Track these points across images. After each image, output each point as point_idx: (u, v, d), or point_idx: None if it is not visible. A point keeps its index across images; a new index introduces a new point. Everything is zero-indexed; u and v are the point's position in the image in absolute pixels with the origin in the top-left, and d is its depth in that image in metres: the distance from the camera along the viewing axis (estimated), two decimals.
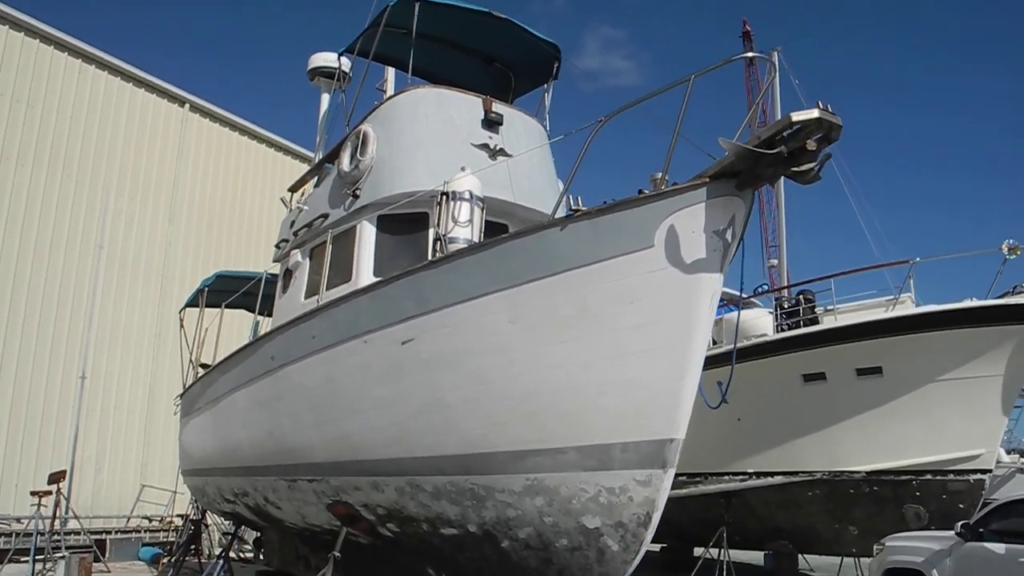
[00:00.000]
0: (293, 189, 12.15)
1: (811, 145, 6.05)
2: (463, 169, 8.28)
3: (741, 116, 32.92)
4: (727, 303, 18.75)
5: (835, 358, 14.79)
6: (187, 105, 23.47)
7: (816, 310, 15.77)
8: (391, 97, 10.06)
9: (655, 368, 6.66)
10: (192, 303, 14.93)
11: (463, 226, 7.69)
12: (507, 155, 9.75)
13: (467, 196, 7.82)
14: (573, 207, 6.85)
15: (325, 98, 12.99)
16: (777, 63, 28.41)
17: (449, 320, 7.36)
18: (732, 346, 15.59)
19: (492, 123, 9.88)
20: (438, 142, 9.51)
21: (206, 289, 14.12)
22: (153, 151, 22.49)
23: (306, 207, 10.72)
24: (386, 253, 9.31)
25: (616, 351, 6.76)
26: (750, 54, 6.49)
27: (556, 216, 7.05)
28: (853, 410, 14.86)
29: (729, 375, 7.84)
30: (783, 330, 15.72)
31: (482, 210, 7.97)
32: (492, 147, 9.72)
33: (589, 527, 6.96)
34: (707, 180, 6.43)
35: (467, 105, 9.87)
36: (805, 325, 15.47)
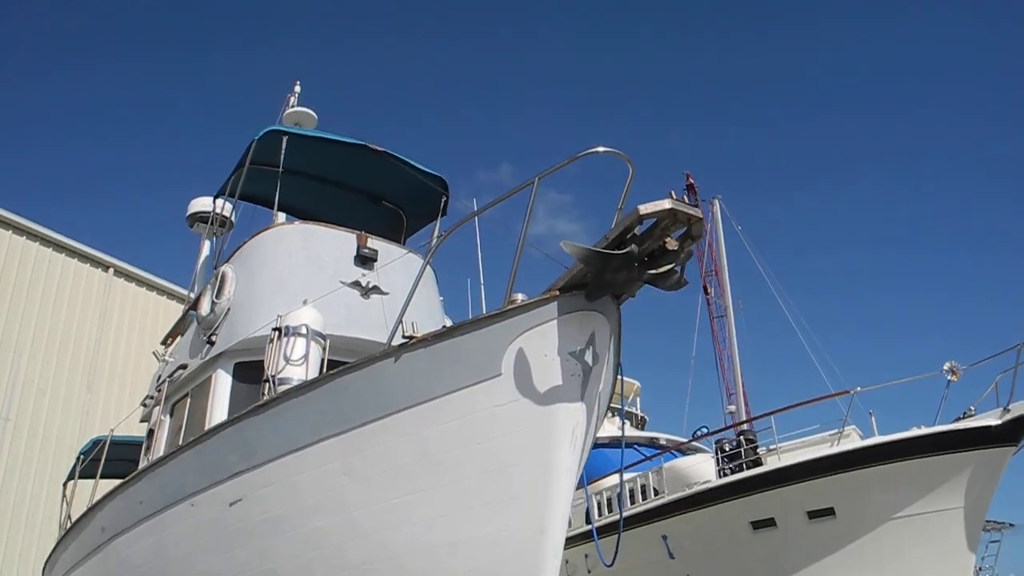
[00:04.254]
0: (166, 342, 11.23)
1: (672, 244, 5.31)
2: (304, 302, 7.44)
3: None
4: (669, 449, 17.73)
5: (783, 501, 13.70)
6: (111, 269, 22.82)
7: (759, 451, 14.75)
8: (254, 235, 9.34)
9: (511, 521, 5.65)
10: (75, 474, 13.64)
11: (296, 364, 6.79)
12: (382, 293, 8.97)
13: (303, 331, 6.95)
14: (407, 334, 6.00)
15: (207, 245, 12.29)
16: (718, 211, 28.77)
17: (278, 475, 6.33)
18: (673, 496, 14.83)
19: (365, 259, 9.14)
20: (302, 281, 8.71)
21: (81, 458, 12.92)
22: (72, 316, 21.60)
23: (171, 359, 9.79)
24: (243, 404, 8.32)
25: (465, 503, 5.76)
26: (601, 148, 5.82)
27: (392, 346, 6.16)
28: (808, 557, 13.66)
29: (617, 540, 6.92)
30: (726, 474, 14.62)
31: (323, 348, 7.08)
32: (365, 285, 8.94)
33: None
34: (556, 293, 5.63)
35: (337, 241, 9.17)
36: (748, 467, 14.42)
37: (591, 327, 5.69)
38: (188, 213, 12.55)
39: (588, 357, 5.71)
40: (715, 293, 30.64)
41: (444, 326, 5.94)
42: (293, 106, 12.67)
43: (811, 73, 78.57)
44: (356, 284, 8.90)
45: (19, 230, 20.91)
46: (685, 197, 5.54)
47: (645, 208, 5.09)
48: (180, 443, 8.58)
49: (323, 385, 6.16)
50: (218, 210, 10.99)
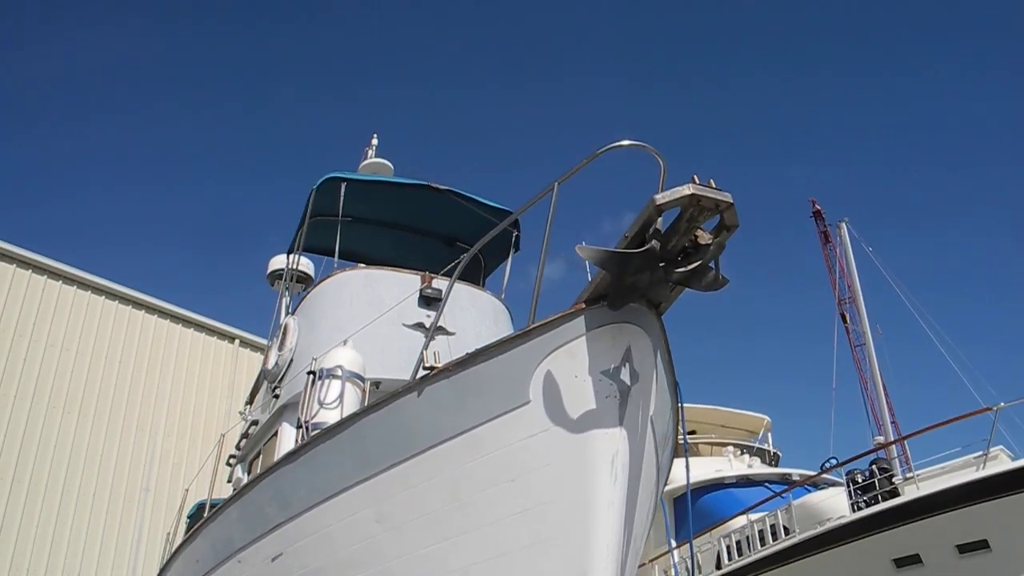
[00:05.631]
0: (251, 401, 11.29)
1: (704, 237, 4.72)
2: (345, 343, 7.18)
3: (826, 295, 31.04)
4: (801, 484, 16.46)
5: (928, 535, 12.33)
6: (237, 341, 23.68)
7: (895, 480, 13.42)
8: (317, 284, 9.25)
9: (548, 566, 5.10)
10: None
11: (330, 408, 6.49)
12: (448, 333, 8.65)
13: (338, 373, 6.67)
14: (428, 364, 5.62)
15: (285, 303, 12.34)
16: (845, 233, 27.36)
17: (313, 526, 6.03)
18: (805, 535, 13.65)
19: (430, 300, 8.88)
20: (363, 326, 8.51)
21: (188, 522, 13.10)
22: (203, 390, 22.55)
23: (249, 417, 9.79)
24: None
25: (499, 547, 5.27)
26: (626, 142, 5.31)
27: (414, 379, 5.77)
28: None
29: None
30: (859, 508, 13.35)
31: (363, 390, 6.77)
32: (429, 326, 8.65)
33: None
34: (582, 306, 5.13)
35: (401, 283, 8.97)
36: (884, 499, 13.11)
37: (625, 341, 5.13)
38: (268, 272, 12.73)
39: (625, 376, 5.15)
40: (852, 320, 28.93)
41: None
42: (370, 158, 12.71)
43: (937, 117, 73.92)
44: (419, 326, 8.63)
45: (151, 309, 22.14)
46: (712, 182, 4.91)
47: (662, 197, 4.50)
48: None
49: (348, 427, 5.85)
50: (292, 266, 11.05)
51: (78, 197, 61.43)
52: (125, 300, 21.64)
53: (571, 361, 5.12)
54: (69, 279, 20.64)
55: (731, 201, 4.54)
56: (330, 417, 6.49)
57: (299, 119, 76.50)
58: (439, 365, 5.52)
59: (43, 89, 54.28)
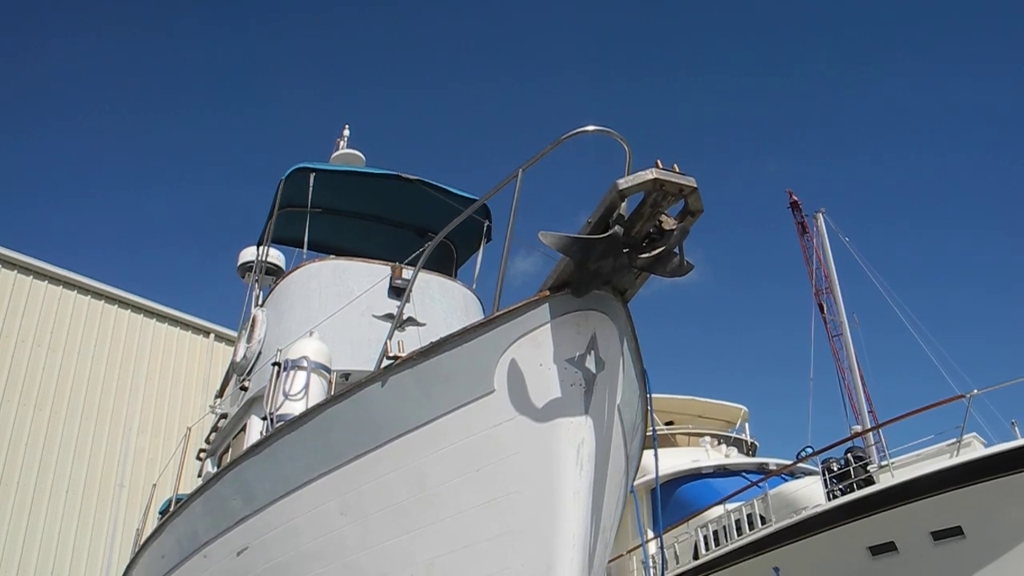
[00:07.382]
0: (220, 394, 11.16)
1: (669, 223, 4.64)
2: (311, 334, 7.08)
3: (804, 285, 31.15)
4: (777, 473, 16.52)
5: (903, 522, 12.37)
6: (212, 335, 23.46)
7: (870, 468, 13.46)
8: (285, 275, 9.14)
9: (515, 558, 5.02)
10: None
11: (295, 399, 6.38)
12: (419, 324, 8.55)
13: (303, 364, 6.56)
14: (392, 354, 5.53)
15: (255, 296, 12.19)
16: (822, 224, 27.41)
17: (279, 518, 5.93)
18: (781, 525, 13.68)
19: (400, 291, 8.78)
20: (332, 318, 8.41)
21: (159, 517, 12.94)
22: (178, 385, 22.32)
23: (219, 410, 9.67)
24: None
25: (466, 538, 5.19)
26: (591, 128, 5.22)
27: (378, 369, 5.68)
28: None
29: None
30: (835, 496, 13.38)
31: (330, 381, 6.68)
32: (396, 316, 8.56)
33: None
34: (547, 293, 5.05)
35: (370, 274, 8.86)
36: (859, 487, 13.13)
37: (590, 329, 5.05)
38: (238, 264, 12.57)
39: (590, 363, 5.07)
40: (829, 310, 29.05)
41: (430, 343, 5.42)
42: (342, 149, 12.55)
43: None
44: (389, 316, 8.52)
45: (124, 304, 21.87)
46: (676, 166, 4.83)
47: (625, 182, 4.41)
48: None
49: (312, 418, 5.76)
50: (262, 258, 10.91)
51: (49, 194, 60.87)
52: (98, 295, 21.38)
53: (536, 349, 5.05)
54: (41, 274, 20.37)
55: (695, 186, 4.46)
56: (295, 409, 6.40)
57: (274, 114, 76.13)
58: (403, 354, 5.43)
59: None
